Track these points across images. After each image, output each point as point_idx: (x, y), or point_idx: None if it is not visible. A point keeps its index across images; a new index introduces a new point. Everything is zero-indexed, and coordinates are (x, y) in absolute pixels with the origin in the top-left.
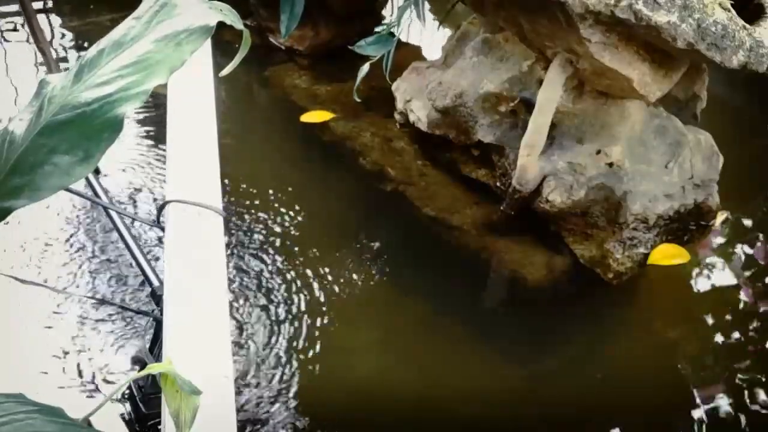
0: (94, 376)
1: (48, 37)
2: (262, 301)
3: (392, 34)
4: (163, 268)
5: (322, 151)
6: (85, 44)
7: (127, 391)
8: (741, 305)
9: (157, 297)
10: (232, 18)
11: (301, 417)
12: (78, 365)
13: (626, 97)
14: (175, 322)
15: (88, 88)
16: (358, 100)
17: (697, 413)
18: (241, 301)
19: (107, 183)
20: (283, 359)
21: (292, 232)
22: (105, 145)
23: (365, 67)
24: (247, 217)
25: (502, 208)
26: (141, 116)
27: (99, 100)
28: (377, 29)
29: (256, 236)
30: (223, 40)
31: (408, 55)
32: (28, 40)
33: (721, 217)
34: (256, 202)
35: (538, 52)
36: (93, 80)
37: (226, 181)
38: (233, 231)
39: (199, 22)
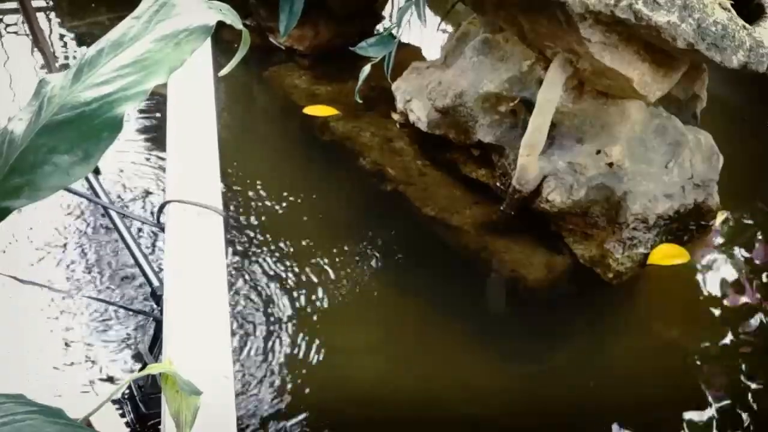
0: (94, 376)
1: (48, 36)
2: (261, 300)
3: (393, 35)
4: (163, 268)
5: (322, 151)
6: (85, 44)
7: (127, 391)
8: (741, 305)
9: (157, 297)
10: (232, 18)
11: (300, 417)
12: (78, 365)
13: (626, 97)
14: (175, 322)
15: (88, 88)
16: (360, 101)
17: (697, 413)
18: (240, 301)
19: (107, 183)
20: (282, 359)
21: (292, 232)
22: (105, 145)
23: (366, 69)
24: (246, 216)
25: (502, 208)
26: (141, 116)
27: (98, 99)
28: (378, 29)
29: (254, 236)
30: (223, 39)
31: (408, 55)
32: (28, 40)
33: (721, 217)
34: (256, 202)
35: (538, 52)
36: (92, 80)
37: (226, 180)
38: (232, 230)
39: (199, 21)
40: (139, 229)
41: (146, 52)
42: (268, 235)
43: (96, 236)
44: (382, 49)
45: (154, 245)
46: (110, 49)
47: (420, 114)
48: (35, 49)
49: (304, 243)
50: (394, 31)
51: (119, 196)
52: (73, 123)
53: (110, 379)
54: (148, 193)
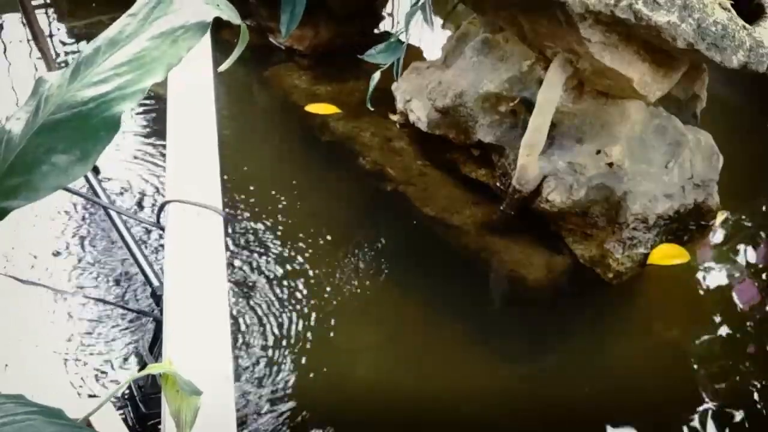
0: (93, 377)
1: (47, 36)
2: (261, 301)
3: (401, 41)
4: (163, 268)
5: (322, 151)
6: (85, 43)
7: (127, 391)
8: (741, 305)
9: (157, 297)
10: (229, 13)
11: (300, 417)
12: (78, 365)
13: (626, 97)
14: (175, 322)
15: (85, 87)
16: (372, 108)
17: (697, 413)
18: (240, 301)
19: (106, 183)
20: (281, 358)
21: (292, 232)
22: (102, 144)
23: (376, 75)
24: (245, 216)
25: (502, 208)
26: (141, 116)
27: (96, 98)
28: (380, 33)
29: (254, 236)
30: (222, 39)
31: (408, 55)
32: (27, 40)
33: (721, 217)
34: (256, 202)
35: (538, 52)
36: (89, 79)
37: (225, 180)
38: (231, 230)
39: (196, 18)
40: (146, 231)
41: (143, 50)
42: (267, 235)
43: (96, 236)
44: (391, 56)
45: (153, 244)
46: (107, 48)
47: (420, 114)
48: (35, 48)
49: (303, 243)
50: (401, 37)
51: (117, 193)
52: (70, 122)
53: (110, 379)
54: (147, 192)
